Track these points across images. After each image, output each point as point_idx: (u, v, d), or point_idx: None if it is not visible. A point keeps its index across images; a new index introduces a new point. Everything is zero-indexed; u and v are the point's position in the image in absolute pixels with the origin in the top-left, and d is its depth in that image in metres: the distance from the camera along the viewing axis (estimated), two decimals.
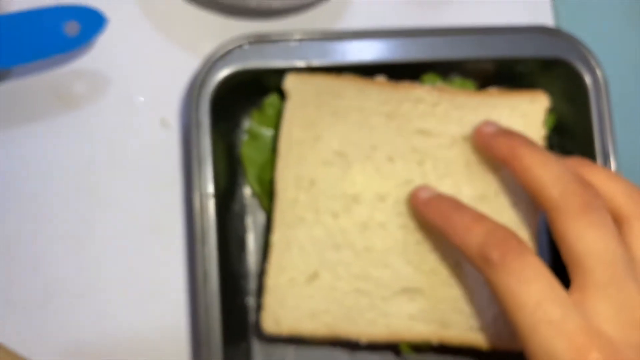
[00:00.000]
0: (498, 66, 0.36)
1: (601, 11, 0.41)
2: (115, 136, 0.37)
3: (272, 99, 0.36)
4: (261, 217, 0.37)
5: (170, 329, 0.36)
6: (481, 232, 0.29)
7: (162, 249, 0.37)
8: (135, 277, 0.36)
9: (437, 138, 0.34)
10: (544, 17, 0.40)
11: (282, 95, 0.35)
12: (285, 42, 0.34)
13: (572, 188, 0.28)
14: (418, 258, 0.33)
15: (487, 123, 0.33)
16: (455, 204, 0.31)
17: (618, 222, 0.29)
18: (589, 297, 0.27)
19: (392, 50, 0.35)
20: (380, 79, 0.35)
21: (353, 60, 0.35)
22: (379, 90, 0.35)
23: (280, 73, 0.34)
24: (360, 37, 0.35)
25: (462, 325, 0.33)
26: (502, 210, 0.33)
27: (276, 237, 0.33)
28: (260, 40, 0.34)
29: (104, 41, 0.37)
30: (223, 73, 0.34)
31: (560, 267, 0.29)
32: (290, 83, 0.34)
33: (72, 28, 0.34)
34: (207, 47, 0.35)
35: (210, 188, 0.33)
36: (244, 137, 0.37)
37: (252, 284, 0.36)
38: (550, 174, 0.29)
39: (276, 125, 0.35)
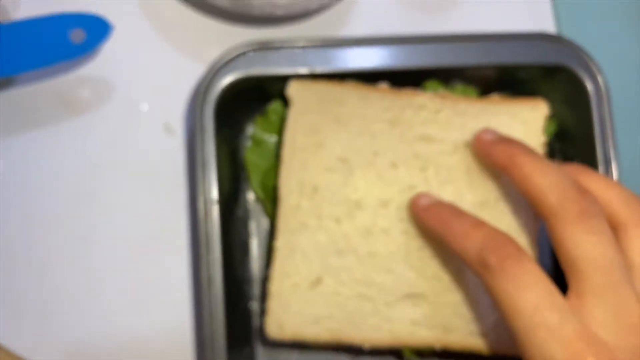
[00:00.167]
0: (500, 73, 0.36)
1: (602, 18, 0.41)
2: (119, 142, 0.38)
3: (275, 106, 0.36)
4: (264, 222, 0.37)
5: (174, 333, 0.36)
6: (479, 237, 0.29)
7: (166, 253, 0.37)
8: (139, 281, 0.36)
9: (439, 144, 0.34)
10: (546, 23, 0.41)
11: (285, 101, 0.35)
12: (288, 49, 0.35)
13: (570, 195, 0.28)
14: (421, 263, 0.33)
15: (486, 131, 0.33)
16: (454, 211, 0.31)
17: (615, 228, 0.29)
18: (586, 303, 0.27)
19: (395, 57, 0.35)
20: (383, 85, 0.35)
21: (355, 67, 0.35)
22: (382, 97, 0.35)
23: (283, 80, 0.35)
24: (362, 44, 0.35)
25: (465, 331, 0.33)
26: (503, 216, 0.34)
27: (279, 243, 0.33)
28: (263, 47, 0.34)
29: (108, 48, 0.37)
30: (227, 80, 0.34)
31: (561, 273, 0.29)
32: (293, 90, 0.34)
33: (77, 35, 0.35)
34: (211, 54, 0.36)
35: (214, 194, 0.33)
36: (248, 143, 0.37)
37: (255, 289, 0.36)
38: (549, 181, 0.29)
39: (279, 131, 0.35)
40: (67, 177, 0.37)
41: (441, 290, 0.33)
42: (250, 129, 0.37)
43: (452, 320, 0.33)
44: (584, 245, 0.27)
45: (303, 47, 0.35)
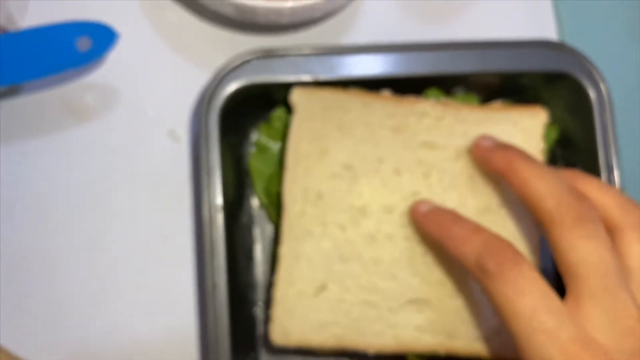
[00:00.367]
0: (502, 80, 0.36)
1: (605, 25, 0.41)
2: (124, 148, 0.38)
3: (279, 112, 0.37)
4: (269, 228, 0.37)
5: (178, 338, 0.36)
6: (478, 242, 0.29)
7: (171, 259, 0.37)
8: (144, 286, 0.37)
9: (442, 151, 0.34)
10: (548, 31, 0.41)
11: (289, 108, 0.35)
12: (292, 56, 0.35)
13: (567, 200, 0.29)
14: (425, 269, 0.33)
15: (485, 137, 0.33)
16: (453, 216, 0.32)
17: (611, 232, 0.29)
18: (583, 306, 0.27)
19: (398, 64, 0.35)
20: (386, 93, 0.36)
21: (358, 74, 0.35)
22: (385, 104, 0.35)
23: (287, 87, 0.35)
24: (365, 51, 0.35)
25: (469, 336, 0.33)
26: (506, 222, 0.34)
27: (284, 250, 0.33)
28: (268, 55, 0.35)
29: (114, 55, 0.37)
30: (232, 87, 0.34)
31: None
32: (296, 97, 0.35)
33: (84, 44, 0.35)
34: (216, 61, 0.36)
35: (219, 200, 0.33)
36: (252, 150, 0.37)
37: (259, 294, 0.36)
38: (546, 187, 0.29)
39: (283, 138, 0.35)
40: (73, 183, 0.37)
41: (445, 295, 0.33)
42: (255, 136, 0.37)
43: (456, 326, 0.33)
44: (581, 249, 0.28)
45: (307, 55, 0.35)
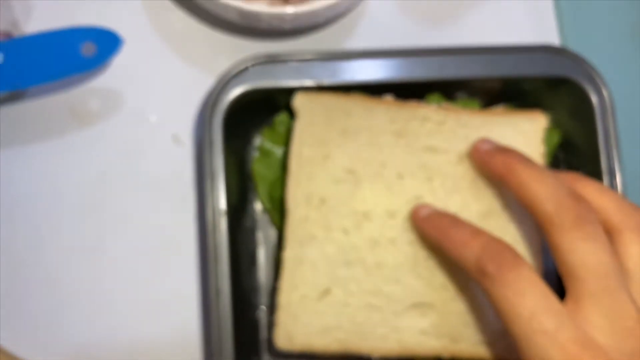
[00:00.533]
0: (504, 85, 0.36)
1: (607, 30, 0.41)
2: (128, 153, 0.38)
3: (282, 117, 0.37)
4: (272, 232, 0.37)
5: (182, 343, 0.36)
6: (477, 245, 0.30)
7: (174, 263, 0.37)
8: (147, 290, 0.37)
9: (444, 155, 0.35)
10: (550, 36, 0.41)
11: (292, 113, 0.35)
12: (295, 62, 0.35)
13: (566, 202, 0.29)
14: (428, 273, 0.33)
15: (484, 140, 0.34)
16: (453, 220, 0.32)
17: (610, 233, 0.30)
18: (583, 307, 0.28)
19: (400, 69, 0.35)
20: (388, 98, 0.36)
21: (361, 79, 0.35)
22: (387, 109, 0.35)
23: (290, 92, 0.35)
24: (367, 56, 0.35)
25: (473, 340, 0.33)
26: (509, 225, 0.34)
27: (288, 255, 0.33)
28: (271, 60, 0.35)
29: (118, 60, 0.37)
30: (236, 92, 0.34)
31: None
32: (299, 102, 0.35)
33: (88, 49, 0.35)
34: (220, 66, 0.36)
35: (222, 205, 0.34)
36: (255, 154, 0.37)
37: (262, 298, 0.36)
38: (545, 189, 0.29)
39: (287, 142, 0.36)
40: (77, 187, 0.37)
41: (449, 299, 0.33)
42: (258, 140, 0.37)
43: (460, 330, 0.33)
44: (580, 251, 0.28)
45: (309, 60, 0.35)
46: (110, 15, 0.38)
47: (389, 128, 0.35)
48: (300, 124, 0.35)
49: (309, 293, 0.33)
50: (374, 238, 0.34)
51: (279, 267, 0.34)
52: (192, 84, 0.38)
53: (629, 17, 0.42)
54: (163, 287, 0.37)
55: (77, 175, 0.38)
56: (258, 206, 0.37)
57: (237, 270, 0.34)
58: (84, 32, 0.35)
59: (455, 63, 0.35)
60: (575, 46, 0.40)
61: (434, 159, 0.35)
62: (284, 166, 0.36)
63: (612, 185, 0.35)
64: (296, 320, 0.33)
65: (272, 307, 0.35)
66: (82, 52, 0.35)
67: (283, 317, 0.33)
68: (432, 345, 0.33)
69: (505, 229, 0.34)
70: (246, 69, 0.35)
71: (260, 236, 0.37)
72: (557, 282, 0.30)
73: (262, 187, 0.37)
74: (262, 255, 0.37)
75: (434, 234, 0.32)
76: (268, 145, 0.37)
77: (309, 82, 0.35)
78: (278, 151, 0.37)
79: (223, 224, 0.33)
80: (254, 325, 0.36)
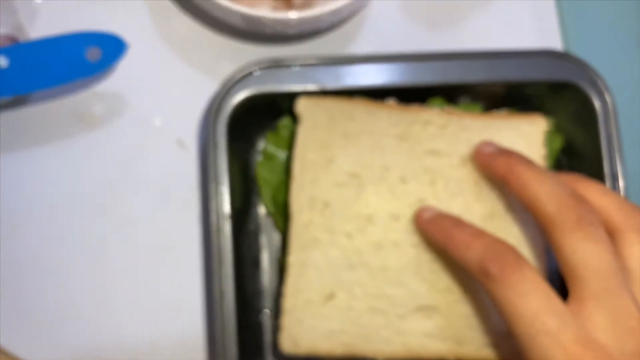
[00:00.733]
0: (507, 89, 0.37)
1: (609, 35, 0.41)
2: (133, 157, 0.38)
3: (286, 121, 0.37)
4: (275, 236, 0.37)
5: (186, 346, 0.36)
6: (480, 247, 0.30)
7: (179, 266, 0.37)
8: (152, 293, 0.37)
9: (447, 158, 0.35)
10: (553, 41, 0.41)
11: (295, 117, 0.35)
12: (299, 66, 0.35)
13: (567, 203, 0.29)
14: (432, 276, 0.33)
15: (486, 143, 0.34)
16: (456, 222, 0.32)
17: (611, 234, 0.30)
18: (585, 308, 0.28)
19: (403, 74, 0.35)
20: (391, 102, 0.36)
21: (364, 84, 0.35)
22: (390, 112, 0.35)
23: (294, 96, 0.35)
24: (370, 61, 0.36)
25: (478, 342, 0.33)
26: (512, 227, 0.34)
27: (292, 259, 0.33)
28: (275, 64, 0.35)
29: (123, 65, 0.38)
30: (240, 96, 0.35)
31: None
32: (301, 106, 0.35)
33: (93, 54, 0.35)
34: (224, 71, 0.36)
35: (226, 209, 0.34)
36: (259, 158, 0.37)
37: (266, 302, 0.37)
38: (547, 190, 0.30)
39: (290, 146, 0.36)
40: (81, 191, 0.38)
41: (453, 302, 0.33)
42: (262, 144, 0.38)
43: (465, 332, 0.33)
44: (582, 252, 0.28)
45: (313, 65, 0.35)
46: (115, 20, 0.38)
47: (391, 132, 0.35)
48: (304, 128, 0.35)
49: (313, 297, 0.33)
50: (377, 241, 0.34)
51: (283, 271, 0.34)
52: (196, 89, 0.39)
53: (632, 21, 0.42)
54: (167, 290, 0.37)
55: (82, 179, 0.38)
56: (262, 210, 0.38)
57: (240, 273, 0.34)
58: (89, 37, 0.35)
59: (458, 68, 0.36)
60: (578, 51, 0.40)
61: (437, 162, 0.35)
62: (287, 170, 0.36)
63: (615, 189, 0.35)
64: (301, 324, 0.33)
65: (276, 311, 0.35)
66: (87, 57, 0.35)
67: (288, 321, 0.33)
68: (436, 347, 0.33)
69: (508, 231, 0.34)
70: (250, 73, 0.35)
71: (263, 240, 0.37)
72: (560, 283, 0.30)
73: (265, 190, 0.37)
74: (266, 259, 0.37)
75: (437, 236, 0.32)
76: (272, 149, 0.37)
77: (312, 87, 0.35)
78: (282, 155, 0.37)
79: (227, 228, 0.33)
80: (257, 328, 0.36)
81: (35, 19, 0.39)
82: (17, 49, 0.35)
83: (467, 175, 0.34)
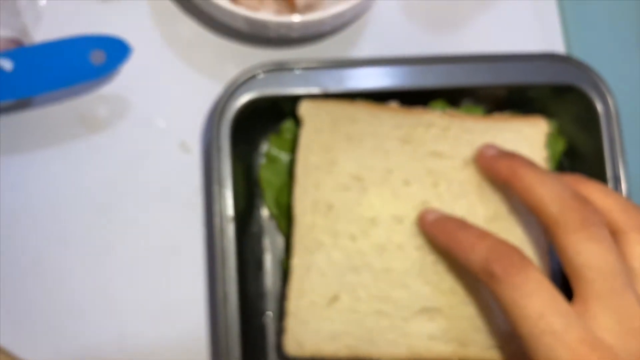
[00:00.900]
0: (510, 92, 0.37)
1: (612, 38, 0.42)
2: (136, 160, 0.38)
3: (289, 124, 0.37)
4: (278, 238, 0.37)
5: (189, 348, 0.37)
6: (484, 248, 0.30)
7: (182, 269, 0.37)
8: (155, 296, 0.37)
9: (450, 160, 0.35)
10: (555, 44, 0.41)
11: (298, 120, 0.36)
12: (302, 69, 0.35)
13: (571, 204, 0.29)
14: (436, 278, 0.33)
15: (488, 146, 0.34)
16: (459, 223, 0.32)
17: (615, 234, 0.30)
18: (590, 308, 0.28)
19: (405, 77, 0.36)
20: (393, 104, 0.36)
21: (367, 87, 0.35)
22: (392, 115, 0.35)
23: (297, 99, 0.35)
24: (373, 64, 0.36)
25: (482, 344, 0.33)
26: (515, 228, 0.34)
27: (296, 262, 0.33)
28: (278, 67, 0.35)
29: (127, 68, 0.38)
30: (243, 99, 0.35)
31: None
32: (304, 109, 0.35)
33: (97, 57, 0.35)
34: (227, 74, 0.36)
35: (230, 211, 0.34)
36: (262, 161, 0.38)
37: (269, 304, 0.37)
38: (550, 192, 0.30)
39: (293, 149, 0.36)
40: (84, 193, 0.38)
41: (457, 304, 0.33)
42: (265, 147, 0.38)
43: (469, 334, 0.33)
44: (586, 252, 0.28)
45: (316, 68, 0.35)
46: (119, 24, 0.38)
47: (394, 134, 0.35)
48: (306, 131, 0.35)
49: (317, 299, 0.33)
50: (381, 244, 0.34)
51: (286, 274, 0.34)
52: (200, 92, 0.39)
53: (634, 23, 0.42)
54: (170, 292, 0.37)
55: (86, 181, 0.38)
56: (265, 212, 0.38)
57: (244, 275, 0.34)
58: (94, 40, 0.35)
59: (460, 70, 0.36)
60: (579, 53, 0.40)
61: (440, 164, 0.35)
62: (290, 173, 0.36)
63: (617, 191, 0.35)
64: (305, 326, 0.33)
65: (279, 313, 0.35)
66: (91, 60, 0.35)
67: (292, 324, 0.33)
68: (441, 349, 0.33)
69: (512, 232, 0.34)
70: (254, 76, 0.35)
71: (267, 242, 0.37)
72: (562, 285, 0.30)
73: (269, 193, 0.37)
74: (269, 261, 0.37)
75: (441, 238, 0.32)
76: (275, 151, 0.37)
77: (315, 90, 0.35)
78: (285, 158, 0.37)
79: (230, 230, 0.34)
80: (260, 330, 0.36)
81: (39, 22, 0.39)
82: (22, 52, 0.35)
83: (470, 177, 0.35)
